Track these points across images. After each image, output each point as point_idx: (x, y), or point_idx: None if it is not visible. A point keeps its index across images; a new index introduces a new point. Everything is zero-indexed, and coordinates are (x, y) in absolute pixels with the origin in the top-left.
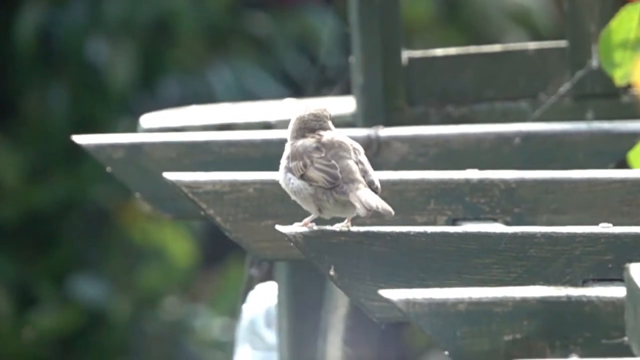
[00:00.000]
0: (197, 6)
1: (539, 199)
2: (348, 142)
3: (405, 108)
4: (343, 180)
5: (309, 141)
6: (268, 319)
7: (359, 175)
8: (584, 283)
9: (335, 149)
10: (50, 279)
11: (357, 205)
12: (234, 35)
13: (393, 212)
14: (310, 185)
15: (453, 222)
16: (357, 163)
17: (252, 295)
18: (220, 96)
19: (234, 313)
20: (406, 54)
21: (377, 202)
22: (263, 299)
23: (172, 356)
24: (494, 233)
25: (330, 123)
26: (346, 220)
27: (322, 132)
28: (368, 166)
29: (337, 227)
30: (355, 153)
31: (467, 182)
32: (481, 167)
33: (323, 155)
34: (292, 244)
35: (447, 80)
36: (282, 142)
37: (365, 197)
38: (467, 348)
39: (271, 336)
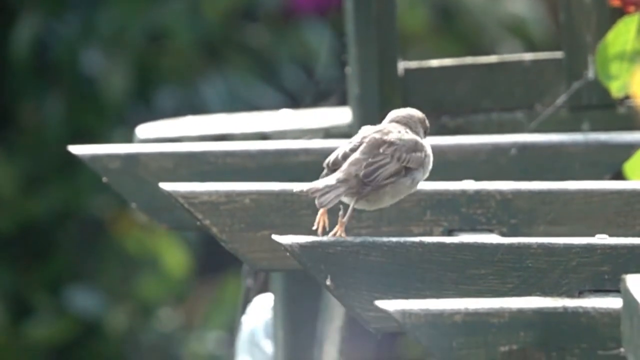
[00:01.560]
0: (192, 17)
1: (535, 210)
2: (393, 139)
3: None
4: (329, 168)
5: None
6: (267, 330)
7: (344, 167)
8: (580, 294)
9: (364, 144)
10: (45, 289)
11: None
12: (229, 47)
13: (305, 189)
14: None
15: (449, 233)
16: (365, 159)
17: (251, 306)
18: (215, 107)
19: (229, 325)
20: (402, 65)
21: (307, 185)
22: (262, 310)
23: None
24: (490, 244)
25: (422, 131)
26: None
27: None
28: (387, 163)
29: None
30: (388, 153)
31: (464, 193)
32: (477, 178)
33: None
34: (288, 254)
35: (443, 91)
36: (278, 153)
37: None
38: (464, 359)
39: (270, 347)
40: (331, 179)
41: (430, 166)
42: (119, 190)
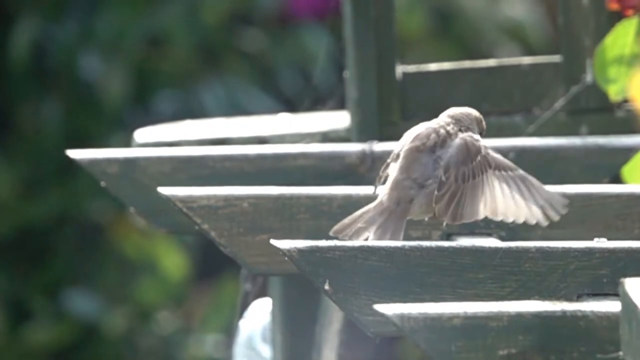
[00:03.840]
0: (191, 22)
1: None
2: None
3: (399, 122)
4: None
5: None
6: (265, 335)
7: (386, 191)
8: (579, 297)
9: (401, 157)
10: (44, 293)
11: None
12: (228, 52)
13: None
14: None
15: (447, 237)
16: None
17: (248, 310)
18: (213, 112)
19: (227, 328)
20: (400, 69)
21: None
22: (260, 315)
23: None
24: (489, 247)
25: (477, 130)
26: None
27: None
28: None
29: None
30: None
31: None
32: None
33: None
34: (286, 258)
35: (441, 95)
36: (276, 157)
37: None
38: None
39: (268, 351)
40: (368, 213)
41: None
42: (117, 195)
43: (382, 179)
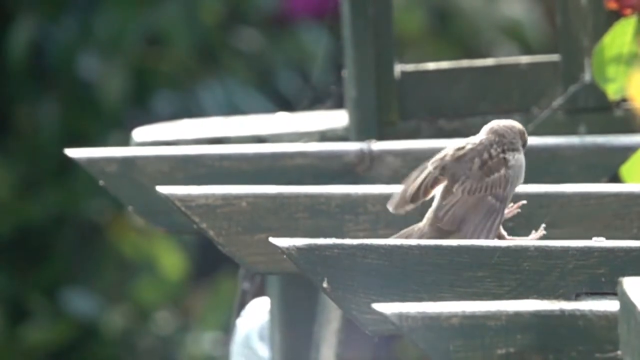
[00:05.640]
0: (189, 22)
1: (532, 213)
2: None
3: (397, 122)
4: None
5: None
6: (262, 334)
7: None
8: (578, 297)
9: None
10: (42, 292)
11: None
12: (226, 52)
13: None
14: None
15: None
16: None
17: (246, 309)
18: (211, 112)
19: (225, 327)
20: (399, 68)
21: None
22: (258, 314)
23: None
24: (488, 246)
25: (520, 143)
26: None
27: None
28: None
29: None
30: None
31: None
32: None
33: None
34: (285, 256)
35: (439, 94)
36: (274, 156)
37: None
38: None
39: (265, 350)
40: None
41: (511, 177)
42: (116, 194)
43: (425, 185)
